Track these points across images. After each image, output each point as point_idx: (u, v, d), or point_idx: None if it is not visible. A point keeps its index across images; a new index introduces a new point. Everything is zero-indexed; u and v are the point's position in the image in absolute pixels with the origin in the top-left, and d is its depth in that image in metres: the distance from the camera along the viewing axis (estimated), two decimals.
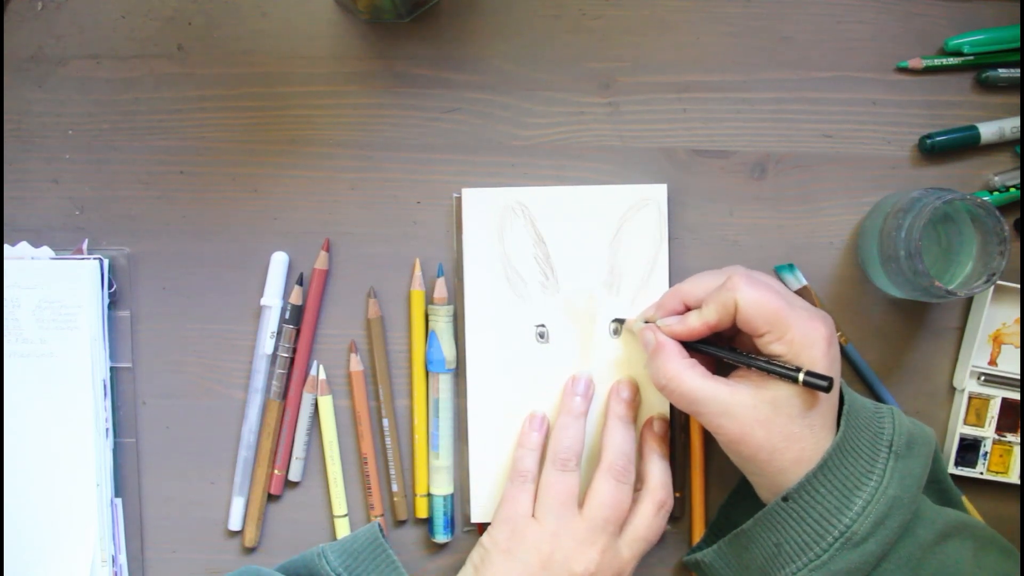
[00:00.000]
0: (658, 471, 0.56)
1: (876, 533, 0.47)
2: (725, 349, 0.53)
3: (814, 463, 0.49)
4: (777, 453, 0.49)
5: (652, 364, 0.53)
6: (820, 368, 0.48)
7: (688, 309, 0.54)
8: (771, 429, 0.49)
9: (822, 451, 0.49)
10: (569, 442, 0.55)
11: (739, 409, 0.49)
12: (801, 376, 0.48)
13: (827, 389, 0.48)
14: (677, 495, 0.58)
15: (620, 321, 0.58)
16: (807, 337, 0.49)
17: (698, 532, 0.59)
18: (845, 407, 0.51)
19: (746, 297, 0.50)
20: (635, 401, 0.57)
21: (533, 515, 0.54)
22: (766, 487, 0.51)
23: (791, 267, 0.59)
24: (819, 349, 0.49)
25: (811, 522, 0.48)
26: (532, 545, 0.52)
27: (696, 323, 0.52)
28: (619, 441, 0.55)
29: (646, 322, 0.55)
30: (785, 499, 0.49)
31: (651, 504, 0.55)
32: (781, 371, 0.49)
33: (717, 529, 0.58)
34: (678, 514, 0.59)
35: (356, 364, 0.59)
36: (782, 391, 0.49)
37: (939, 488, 0.55)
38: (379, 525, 0.56)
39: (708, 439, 0.59)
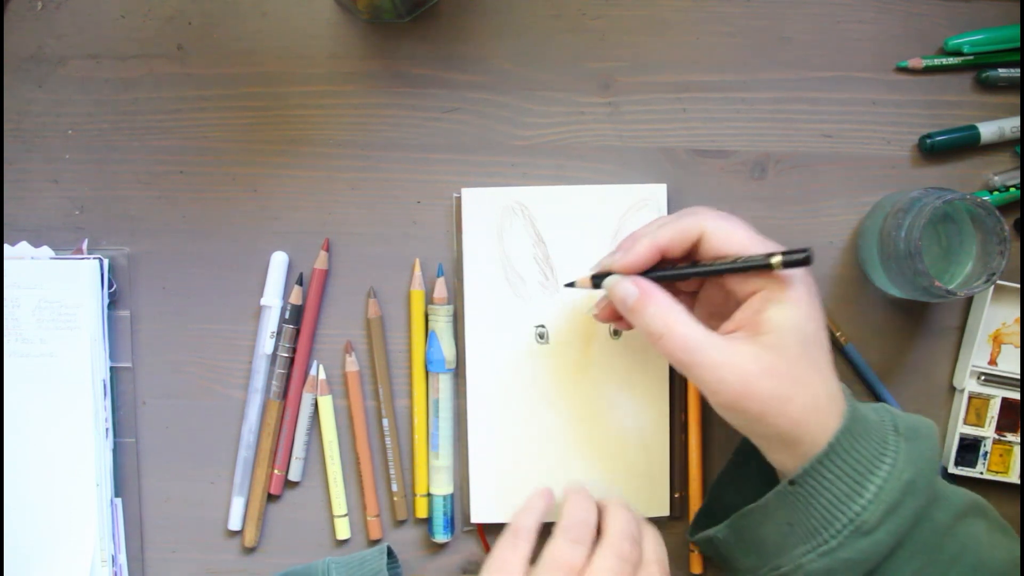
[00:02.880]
0: (654, 546, 0.52)
1: (887, 522, 0.45)
2: (687, 266, 0.49)
3: (829, 414, 0.46)
4: (789, 403, 0.45)
5: (642, 317, 0.48)
6: (803, 293, 0.46)
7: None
8: (777, 376, 0.45)
9: (834, 395, 0.46)
10: (584, 515, 0.51)
11: (739, 358, 0.46)
12: (777, 258, 0.45)
13: (808, 261, 0.45)
14: (677, 496, 0.59)
15: (571, 285, 0.54)
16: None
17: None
18: (845, 389, 0.49)
19: (712, 225, 0.47)
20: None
21: None
22: (781, 446, 0.47)
23: None
24: (796, 275, 0.46)
25: (819, 507, 0.46)
26: None
27: (644, 249, 0.48)
28: (623, 522, 0.50)
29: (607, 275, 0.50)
30: (792, 483, 0.47)
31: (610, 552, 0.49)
32: (755, 264, 0.46)
33: (709, 511, 0.56)
34: (678, 514, 0.59)
35: (351, 365, 0.59)
36: (778, 332, 0.46)
37: None
38: (389, 548, 0.56)
39: (707, 440, 0.59)
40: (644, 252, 0.48)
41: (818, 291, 0.48)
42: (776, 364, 0.46)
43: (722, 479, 0.57)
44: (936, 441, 0.49)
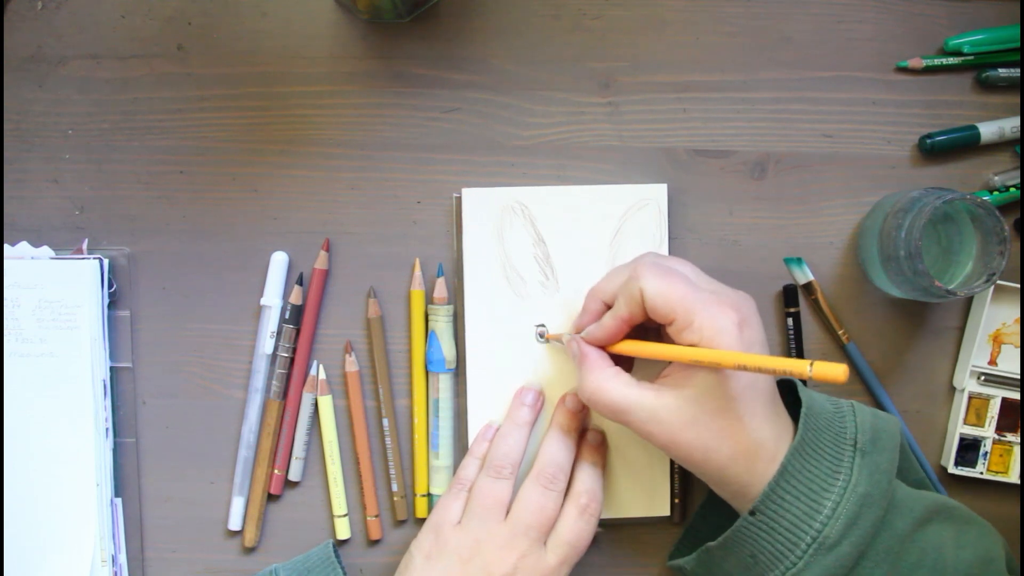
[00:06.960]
0: (585, 477, 0.55)
1: (849, 534, 0.46)
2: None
3: (757, 456, 0.47)
4: (712, 452, 0.47)
5: (577, 376, 0.52)
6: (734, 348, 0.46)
7: (608, 308, 0.53)
8: (699, 428, 0.47)
9: (763, 442, 0.47)
10: (507, 449, 0.55)
11: (664, 413, 0.48)
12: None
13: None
14: (676, 501, 0.59)
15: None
16: (715, 323, 0.47)
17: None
18: (804, 408, 0.49)
19: (650, 287, 0.48)
20: (580, 413, 0.56)
21: (460, 522, 0.53)
22: (717, 488, 0.50)
23: (799, 261, 0.59)
24: (730, 335, 0.46)
25: (781, 531, 0.47)
26: (453, 550, 0.52)
27: (611, 324, 0.51)
28: (553, 450, 0.55)
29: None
30: (752, 513, 0.47)
31: (573, 508, 0.54)
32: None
33: (694, 532, 0.58)
34: (677, 520, 0.59)
35: (351, 365, 0.59)
36: (700, 386, 0.47)
37: (910, 482, 0.54)
38: (332, 544, 0.57)
39: None
40: (612, 328, 0.51)
41: (760, 334, 0.49)
42: (698, 416, 0.47)
43: (701, 509, 0.58)
44: (894, 450, 0.49)
